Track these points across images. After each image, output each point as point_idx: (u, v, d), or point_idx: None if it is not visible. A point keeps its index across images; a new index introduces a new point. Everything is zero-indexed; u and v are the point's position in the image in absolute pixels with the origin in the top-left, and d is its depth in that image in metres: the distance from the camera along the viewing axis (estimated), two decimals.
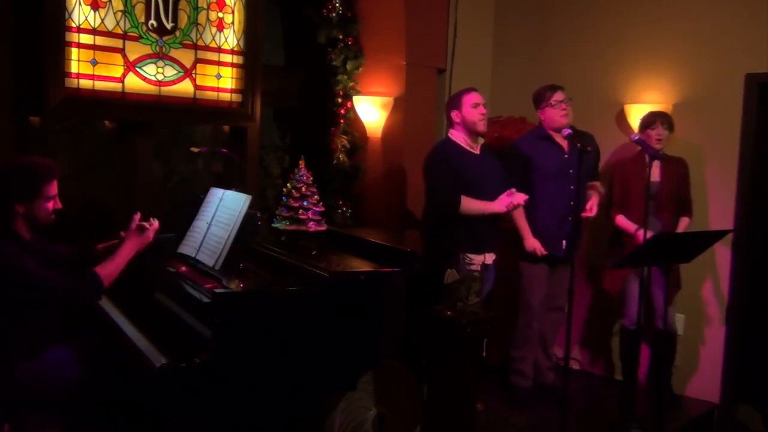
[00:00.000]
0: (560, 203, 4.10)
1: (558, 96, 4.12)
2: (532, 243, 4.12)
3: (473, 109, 3.91)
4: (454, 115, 3.97)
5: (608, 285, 4.52)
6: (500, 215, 3.94)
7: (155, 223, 3.13)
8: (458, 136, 3.98)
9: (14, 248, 2.79)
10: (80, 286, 2.82)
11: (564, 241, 4.11)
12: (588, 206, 4.14)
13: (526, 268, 4.24)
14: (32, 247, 2.88)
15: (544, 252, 4.11)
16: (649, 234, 3.72)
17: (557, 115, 4.10)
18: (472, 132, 3.96)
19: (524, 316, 4.26)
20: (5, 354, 2.78)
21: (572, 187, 3.98)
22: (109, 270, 2.88)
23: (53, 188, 2.89)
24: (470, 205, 3.84)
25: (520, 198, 3.83)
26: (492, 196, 3.89)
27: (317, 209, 3.33)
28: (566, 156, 4.16)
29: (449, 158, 3.89)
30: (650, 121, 4.28)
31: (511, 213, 3.96)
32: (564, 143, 4.17)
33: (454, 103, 3.99)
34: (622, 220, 4.32)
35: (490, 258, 3.97)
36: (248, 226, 3.01)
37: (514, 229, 4.20)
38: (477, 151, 4.00)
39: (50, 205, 2.88)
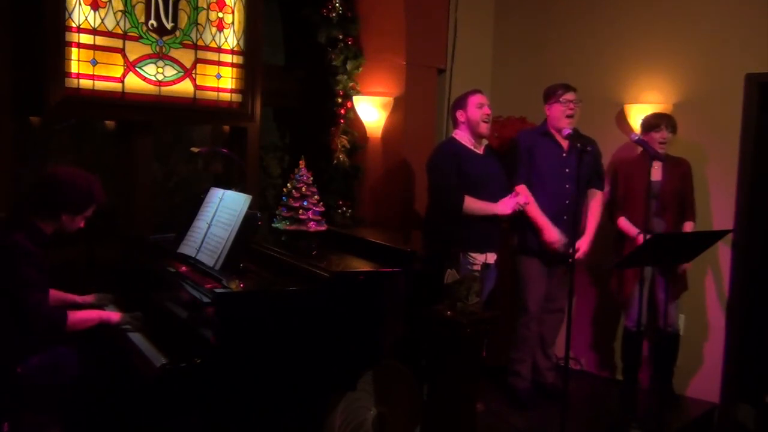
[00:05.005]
0: (555, 201, 4.10)
1: (569, 96, 4.13)
2: (552, 235, 4.05)
3: (478, 109, 3.98)
4: (459, 115, 4.04)
5: (614, 287, 4.47)
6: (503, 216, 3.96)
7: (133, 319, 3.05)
8: (462, 136, 4.04)
9: (27, 244, 2.80)
10: (49, 313, 2.78)
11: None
12: (577, 245, 3.95)
13: (523, 269, 4.23)
14: (46, 240, 2.90)
15: (563, 244, 3.98)
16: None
17: (563, 113, 4.10)
18: (475, 132, 4.01)
19: (522, 318, 4.25)
20: (6, 349, 2.78)
21: (567, 186, 4.03)
22: (76, 318, 2.85)
23: (92, 210, 2.99)
24: (473, 205, 3.87)
25: (525, 198, 3.90)
26: (495, 197, 3.93)
27: (317, 209, 3.33)
28: (564, 155, 4.16)
29: (453, 157, 3.93)
30: (654, 124, 4.26)
31: (517, 213, 3.95)
32: (564, 143, 4.17)
33: (460, 103, 4.06)
34: (624, 223, 4.30)
35: (491, 257, 3.99)
36: (248, 226, 3.01)
37: (512, 228, 4.21)
38: (481, 152, 4.05)
39: (83, 223, 2.98)
